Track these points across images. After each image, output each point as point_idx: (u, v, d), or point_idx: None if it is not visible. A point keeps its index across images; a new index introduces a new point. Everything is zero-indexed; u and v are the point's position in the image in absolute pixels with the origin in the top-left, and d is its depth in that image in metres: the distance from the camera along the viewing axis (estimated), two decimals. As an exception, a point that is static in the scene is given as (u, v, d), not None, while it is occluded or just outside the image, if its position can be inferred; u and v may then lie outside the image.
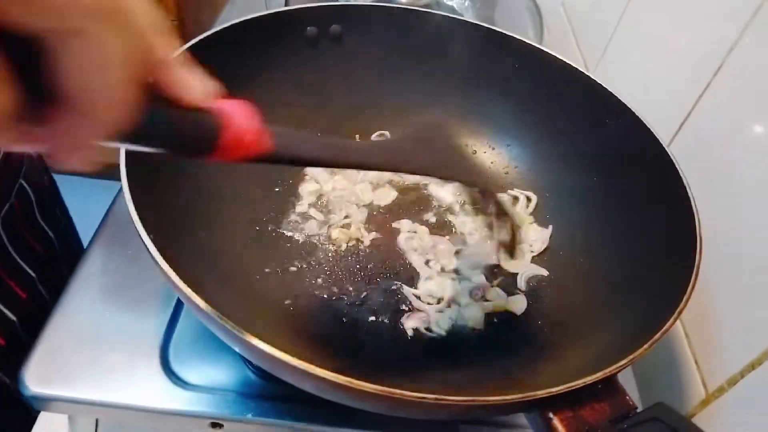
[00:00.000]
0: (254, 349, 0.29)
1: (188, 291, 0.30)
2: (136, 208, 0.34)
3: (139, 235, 0.33)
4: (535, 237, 0.52)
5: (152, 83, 0.24)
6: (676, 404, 0.48)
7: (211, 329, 0.33)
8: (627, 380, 0.50)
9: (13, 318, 0.51)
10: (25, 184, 0.56)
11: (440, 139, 0.41)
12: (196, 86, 0.25)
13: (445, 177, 0.41)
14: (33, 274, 0.54)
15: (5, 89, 0.20)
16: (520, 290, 0.49)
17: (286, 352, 0.29)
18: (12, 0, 0.18)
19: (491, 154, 0.59)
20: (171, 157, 0.27)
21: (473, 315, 0.47)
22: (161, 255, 0.32)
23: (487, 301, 0.48)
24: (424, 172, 0.39)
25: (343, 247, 0.51)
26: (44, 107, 0.21)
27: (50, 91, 0.21)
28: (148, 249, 0.33)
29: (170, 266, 0.32)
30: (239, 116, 0.27)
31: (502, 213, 0.42)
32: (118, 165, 0.37)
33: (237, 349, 0.34)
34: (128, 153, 0.37)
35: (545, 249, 0.52)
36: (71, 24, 0.20)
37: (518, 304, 0.48)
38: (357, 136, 0.59)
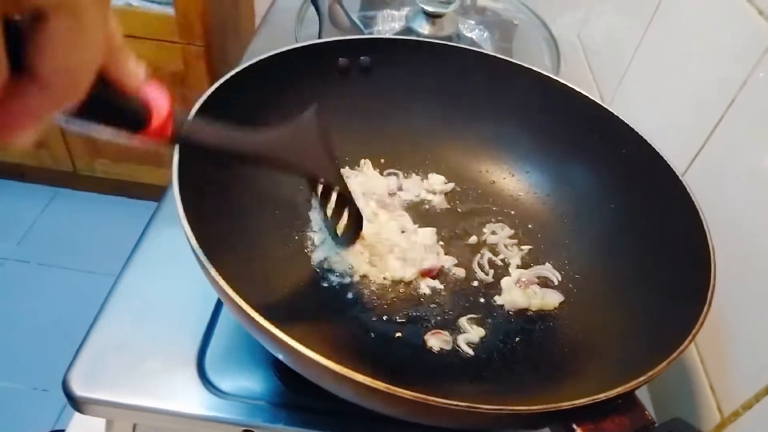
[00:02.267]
0: (299, 355, 0.32)
1: (239, 300, 0.33)
2: (188, 221, 0.36)
3: (191, 246, 0.36)
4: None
5: (103, 67, 0.26)
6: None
7: (256, 336, 0.36)
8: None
9: None
10: None
11: (311, 132, 0.43)
12: (137, 73, 0.28)
13: (301, 173, 0.46)
14: None
15: None
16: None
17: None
18: None
19: (510, 181, 0.62)
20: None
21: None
22: (214, 268, 0.34)
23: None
24: (288, 168, 0.43)
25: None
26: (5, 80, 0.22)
27: (16, 64, 0.22)
28: (199, 260, 0.35)
29: (224, 279, 0.34)
30: (162, 103, 0.31)
31: (344, 203, 0.47)
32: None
33: (280, 356, 0.36)
34: (180, 168, 0.40)
35: (560, 273, 0.55)
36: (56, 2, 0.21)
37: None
38: (382, 160, 0.62)
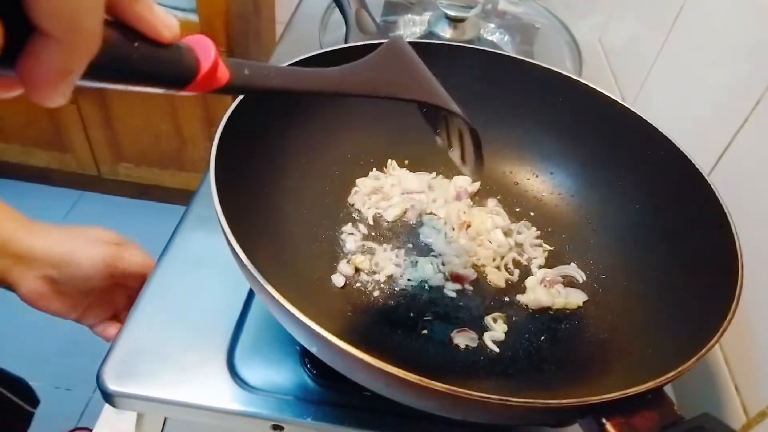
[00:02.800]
0: (333, 346, 0.33)
1: (277, 296, 0.34)
2: (226, 220, 0.37)
3: (231, 246, 0.37)
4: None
5: (127, 18, 0.25)
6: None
7: (291, 329, 0.37)
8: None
9: None
10: None
11: (403, 59, 0.41)
12: (167, 23, 0.26)
13: (408, 99, 0.41)
14: None
15: None
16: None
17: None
18: None
19: (534, 182, 0.62)
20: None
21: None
22: (254, 266, 0.36)
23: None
24: (386, 95, 0.39)
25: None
26: (18, 43, 0.21)
27: (23, 24, 0.21)
28: (240, 258, 0.36)
29: (262, 276, 0.35)
30: (205, 51, 0.28)
31: (466, 130, 0.44)
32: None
33: (314, 349, 0.37)
34: (216, 170, 0.42)
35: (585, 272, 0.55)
36: None
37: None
38: (406, 161, 0.63)
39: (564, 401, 0.31)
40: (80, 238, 0.58)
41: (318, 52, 0.54)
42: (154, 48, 0.26)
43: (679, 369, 0.34)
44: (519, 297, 0.53)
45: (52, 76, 0.22)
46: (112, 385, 0.47)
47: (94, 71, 0.23)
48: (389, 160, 0.63)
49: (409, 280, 0.53)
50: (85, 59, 0.23)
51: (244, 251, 0.36)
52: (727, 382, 0.51)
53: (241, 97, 0.47)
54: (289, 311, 0.33)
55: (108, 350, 0.49)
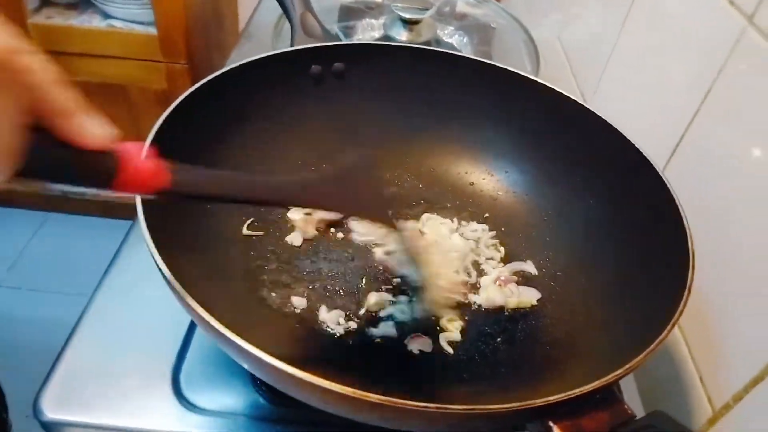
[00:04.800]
0: (260, 362, 0.31)
1: (200, 310, 0.32)
2: (153, 240, 0.36)
3: (156, 264, 0.35)
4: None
5: (51, 128, 0.27)
6: (684, 424, 0.49)
7: (222, 347, 0.35)
8: (634, 405, 0.51)
9: None
10: None
11: (360, 177, 0.43)
12: (94, 131, 0.28)
13: (358, 215, 0.44)
14: None
15: None
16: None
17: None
18: None
19: (490, 181, 0.61)
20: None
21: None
22: (175, 279, 0.34)
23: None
24: (336, 210, 0.42)
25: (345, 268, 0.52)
26: None
27: None
28: (163, 274, 0.35)
29: (184, 289, 0.33)
30: (136, 156, 0.30)
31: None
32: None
33: (245, 366, 0.35)
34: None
35: (541, 271, 0.54)
36: None
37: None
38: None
39: (505, 406, 0.30)
40: None
41: (256, 57, 0.53)
42: (77, 152, 0.28)
43: (627, 366, 0.33)
44: (473, 297, 0.51)
45: None
46: (50, 413, 0.45)
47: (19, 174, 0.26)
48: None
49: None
50: (5, 172, 0.25)
51: (166, 263, 0.34)
52: (693, 376, 0.51)
53: (170, 109, 0.45)
54: (209, 323, 0.31)
55: (46, 376, 0.47)
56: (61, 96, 0.27)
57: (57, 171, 0.29)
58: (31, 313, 1.55)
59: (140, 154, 0.31)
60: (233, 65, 0.51)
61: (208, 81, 0.49)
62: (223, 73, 0.50)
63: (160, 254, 0.35)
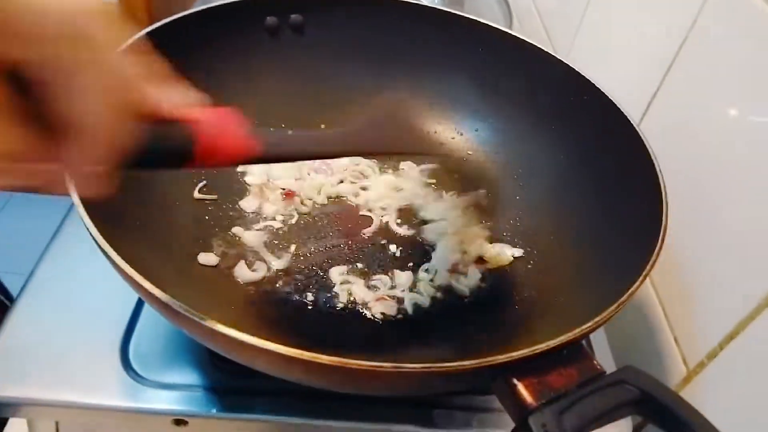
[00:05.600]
0: (201, 327, 0.28)
1: (133, 273, 0.29)
2: (87, 212, 0.32)
3: (90, 234, 0.32)
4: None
5: (132, 100, 0.25)
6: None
7: (166, 317, 0.32)
8: (606, 363, 0.50)
9: None
10: None
11: (398, 118, 0.42)
12: (172, 98, 0.27)
13: (409, 152, 0.45)
14: None
15: (12, 126, 0.22)
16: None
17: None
18: None
19: (459, 140, 0.59)
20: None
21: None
22: (113, 249, 0.31)
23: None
24: (389, 151, 0.43)
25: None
26: (46, 143, 0.23)
27: (50, 124, 0.23)
28: (98, 244, 0.32)
29: (121, 257, 0.30)
30: (218, 124, 0.28)
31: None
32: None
33: (188, 333, 0.32)
34: None
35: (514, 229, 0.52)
36: (42, 51, 0.21)
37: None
38: (322, 125, 0.58)
39: (464, 363, 0.27)
40: None
41: (203, 7, 0.49)
42: (159, 125, 0.26)
43: (596, 319, 0.31)
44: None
45: (76, 176, 0.25)
46: (-8, 391, 0.41)
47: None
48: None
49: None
50: (111, 151, 0.24)
51: (97, 228, 0.31)
52: (667, 334, 0.50)
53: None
54: (141, 285, 0.28)
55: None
56: (138, 63, 0.26)
57: (144, 151, 0.26)
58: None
59: (223, 122, 0.29)
60: (177, 16, 0.47)
61: (148, 33, 0.44)
62: (165, 24, 0.46)
63: (92, 219, 0.32)
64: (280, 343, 0.28)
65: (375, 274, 0.47)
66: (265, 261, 0.47)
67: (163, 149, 0.27)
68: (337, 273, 0.47)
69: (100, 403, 0.42)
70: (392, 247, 0.50)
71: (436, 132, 0.59)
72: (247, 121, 0.29)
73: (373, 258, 0.49)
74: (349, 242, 0.50)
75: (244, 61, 0.53)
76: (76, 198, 0.33)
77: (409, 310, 0.45)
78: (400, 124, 0.42)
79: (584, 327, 0.30)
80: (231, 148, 0.29)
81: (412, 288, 0.46)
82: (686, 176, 0.47)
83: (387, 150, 0.42)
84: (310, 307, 0.45)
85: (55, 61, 0.22)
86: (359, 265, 0.48)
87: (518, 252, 0.50)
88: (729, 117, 0.44)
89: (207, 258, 0.46)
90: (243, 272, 0.46)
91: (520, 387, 0.29)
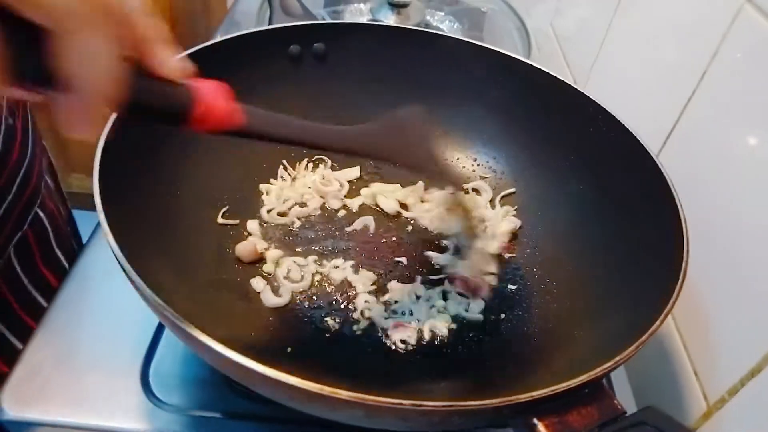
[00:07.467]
0: (223, 358, 0.28)
1: (155, 298, 0.30)
2: (112, 232, 0.33)
3: (114, 255, 0.33)
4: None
5: (135, 57, 0.27)
6: (678, 419, 0.47)
7: (184, 342, 0.32)
8: (627, 401, 0.49)
9: (22, 348, 0.50)
10: (41, 214, 0.56)
11: (415, 129, 0.42)
12: (173, 63, 0.28)
13: (410, 167, 0.43)
14: (45, 305, 0.54)
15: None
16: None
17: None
18: None
19: (477, 169, 0.59)
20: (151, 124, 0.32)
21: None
22: (137, 273, 0.31)
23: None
24: (392, 160, 0.41)
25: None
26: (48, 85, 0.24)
27: (51, 74, 0.24)
28: (122, 267, 0.32)
29: (143, 281, 0.31)
30: (213, 93, 0.30)
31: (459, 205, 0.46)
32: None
33: (209, 362, 0.33)
34: (101, 182, 0.37)
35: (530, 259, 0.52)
36: (59, 18, 0.22)
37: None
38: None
39: (487, 402, 0.27)
40: None
41: (230, 36, 0.50)
42: (157, 82, 0.28)
43: (617, 359, 0.31)
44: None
45: (79, 122, 0.26)
46: (12, 411, 0.42)
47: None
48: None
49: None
50: (107, 102, 0.26)
51: (129, 261, 0.32)
52: (687, 368, 0.49)
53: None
54: (169, 317, 0.29)
55: (8, 373, 0.44)
56: (146, 23, 0.27)
57: (140, 102, 0.28)
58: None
59: (216, 92, 0.30)
60: (202, 45, 0.48)
61: (185, 56, 0.45)
62: (192, 52, 0.47)
63: (118, 244, 0.33)
64: (301, 373, 0.28)
65: (395, 302, 0.47)
66: (288, 285, 0.48)
67: (165, 105, 0.29)
68: (358, 300, 0.47)
69: (120, 427, 0.42)
70: (415, 276, 0.50)
71: (458, 159, 0.59)
72: (234, 95, 0.31)
73: (393, 281, 0.49)
74: (372, 269, 0.50)
75: (268, 87, 0.54)
76: (103, 218, 0.34)
77: (427, 338, 0.45)
78: (412, 135, 0.41)
79: (605, 366, 0.30)
80: (222, 115, 0.31)
81: (431, 317, 0.46)
82: (707, 208, 0.47)
83: (391, 158, 0.41)
84: (329, 334, 0.45)
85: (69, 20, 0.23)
86: (380, 293, 0.48)
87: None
88: (751, 148, 0.44)
89: (257, 283, 0.47)
90: (268, 297, 0.46)
91: (541, 427, 0.29)
